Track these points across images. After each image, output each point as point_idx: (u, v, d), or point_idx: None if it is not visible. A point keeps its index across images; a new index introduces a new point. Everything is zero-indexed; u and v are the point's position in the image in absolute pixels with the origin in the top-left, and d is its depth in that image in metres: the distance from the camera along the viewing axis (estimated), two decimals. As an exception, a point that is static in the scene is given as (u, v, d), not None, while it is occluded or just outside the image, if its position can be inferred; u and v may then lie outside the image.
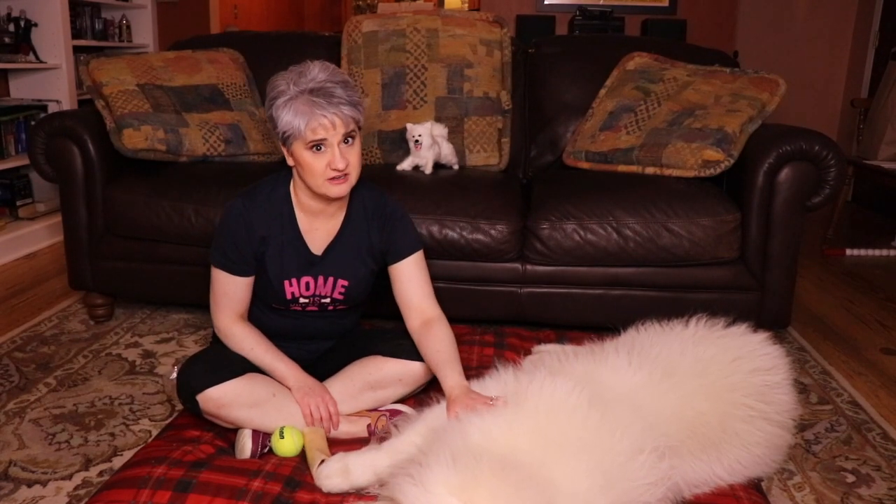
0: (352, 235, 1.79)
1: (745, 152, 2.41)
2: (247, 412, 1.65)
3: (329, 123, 1.58)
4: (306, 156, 1.62)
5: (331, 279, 1.79)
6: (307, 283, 1.78)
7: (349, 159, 1.63)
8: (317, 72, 1.62)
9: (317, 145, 1.60)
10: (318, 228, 1.77)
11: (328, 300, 1.81)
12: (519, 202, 2.47)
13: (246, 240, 1.71)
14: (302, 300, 1.79)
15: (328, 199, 1.71)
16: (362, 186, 1.79)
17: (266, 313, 1.83)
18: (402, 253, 1.80)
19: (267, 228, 1.73)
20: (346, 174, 1.64)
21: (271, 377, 1.73)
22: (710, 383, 1.54)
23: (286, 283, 1.76)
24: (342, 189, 1.65)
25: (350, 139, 1.63)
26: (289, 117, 1.59)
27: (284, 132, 1.62)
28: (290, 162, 1.69)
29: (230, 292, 1.75)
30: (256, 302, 1.82)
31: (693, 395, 1.51)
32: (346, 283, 1.80)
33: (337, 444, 1.69)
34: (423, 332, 1.76)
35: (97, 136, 2.50)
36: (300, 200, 1.75)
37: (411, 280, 1.80)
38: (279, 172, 1.80)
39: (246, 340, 1.74)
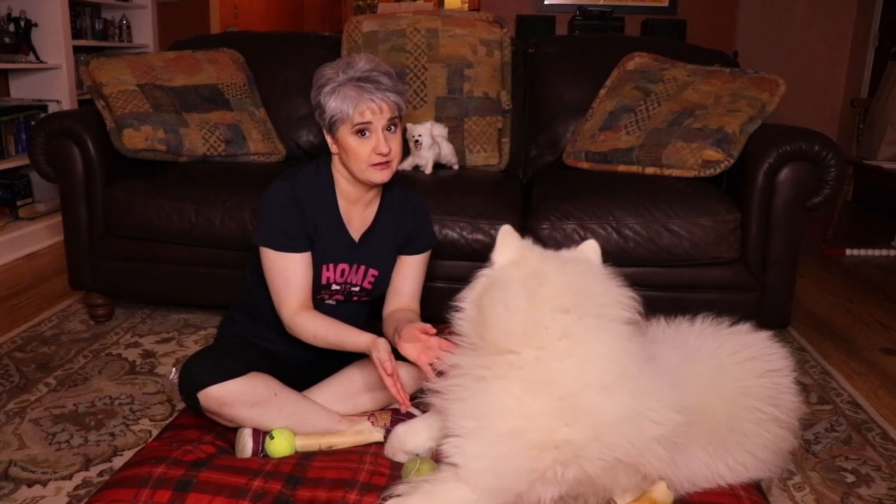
0: (384, 227, 1.83)
1: (745, 152, 2.41)
2: (248, 411, 1.65)
3: (377, 108, 1.63)
4: (351, 141, 1.66)
5: (362, 268, 1.81)
6: (342, 270, 1.79)
7: (392, 146, 1.67)
8: (363, 63, 1.67)
9: (362, 130, 1.65)
10: (355, 217, 1.80)
11: (357, 288, 1.83)
12: (519, 202, 2.47)
13: (300, 216, 1.71)
14: (334, 286, 1.80)
15: (368, 187, 1.75)
16: (393, 183, 1.82)
17: None
18: (417, 248, 1.87)
19: (315, 210, 1.74)
20: (388, 161, 1.68)
21: (349, 350, 1.67)
22: (724, 382, 1.55)
23: (324, 266, 1.77)
24: (385, 175, 1.70)
25: (393, 126, 1.68)
26: (336, 103, 1.64)
27: (332, 117, 1.66)
28: (333, 149, 1.73)
29: (291, 277, 1.69)
30: None
31: (706, 390, 1.52)
32: (376, 272, 1.83)
33: (342, 453, 1.69)
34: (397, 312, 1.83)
35: (97, 136, 2.50)
36: (340, 187, 1.77)
37: (414, 275, 1.87)
38: (318, 159, 1.82)
39: (309, 324, 1.68)
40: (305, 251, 1.72)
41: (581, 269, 1.49)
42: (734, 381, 1.55)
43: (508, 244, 1.51)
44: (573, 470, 1.33)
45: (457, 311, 1.49)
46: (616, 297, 1.45)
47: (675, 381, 1.46)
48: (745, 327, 1.68)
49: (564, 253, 1.57)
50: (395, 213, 1.84)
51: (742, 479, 1.55)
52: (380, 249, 1.82)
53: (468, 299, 1.49)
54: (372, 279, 1.83)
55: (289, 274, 1.70)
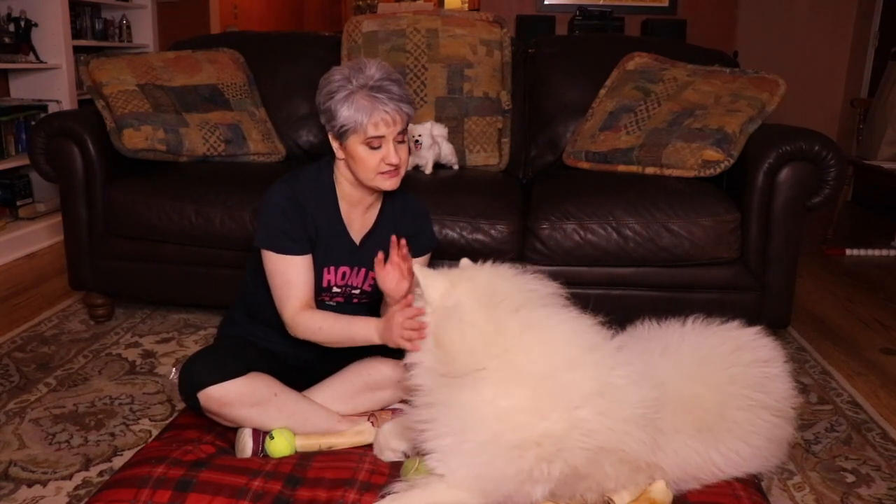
0: (385, 229, 1.82)
1: (745, 152, 2.41)
2: (248, 411, 1.65)
3: (390, 119, 1.63)
4: (361, 150, 1.65)
5: (363, 270, 1.81)
6: (344, 273, 1.80)
7: (401, 155, 1.68)
8: (374, 70, 1.65)
9: (374, 143, 1.64)
10: (356, 220, 1.80)
11: (358, 291, 1.83)
12: (519, 202, 2.47)
13: (301, 218, 1.71)
14: (335, 289, 1.80)
15: (371, 191, 1.76)
16: None
17: None
18: (417, 249, 1.85)
19: (316, 213, 1.74)
20: (397, 169, 1.68)
21: (355, 343, 1.66)
22: (709, 372, 1.56)
23: (325, 270, 1.77)
24: (394, 183, 1.70)
25: (402, 138, 1.68)
26: (350, 112, 1.62)
27: (343, 126, 1.64)
28: (339, 155, 1.72)
29: (292, 279, 1.69)
30: None
31: (691, 378, 1.54)
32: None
33: (341, 453, 1.69)
34: None
35: (97, 136, 2.50)
36: (343, 190, 1.77)
37: None
38: (318, 161, 1.82)
39: (313, 320, 1.67)
40: (307, 253, 1.71)
41: (513, 272, 1.55)
42: (719, 370, 1.57)
43: (431, 279, 1.50)
44: (558, 465, 1.35)
45: (408, 369, 1.51)
46: (551, 289, 1.52)
47: (649, 364, 1.50)
48: (733, 324, 1.70)
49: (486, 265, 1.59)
50: (396, 215, 1.84)
51: (737, 468, 1.56)
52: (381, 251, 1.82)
53: (424, 349, 1.50)
54: (372, 281, 1.83)
55: (290, 276, 1.69)
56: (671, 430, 1.47)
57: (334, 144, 1.71)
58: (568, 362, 1.40)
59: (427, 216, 1.90)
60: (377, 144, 1.64)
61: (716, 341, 1.63)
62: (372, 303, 1.89)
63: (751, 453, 1.55)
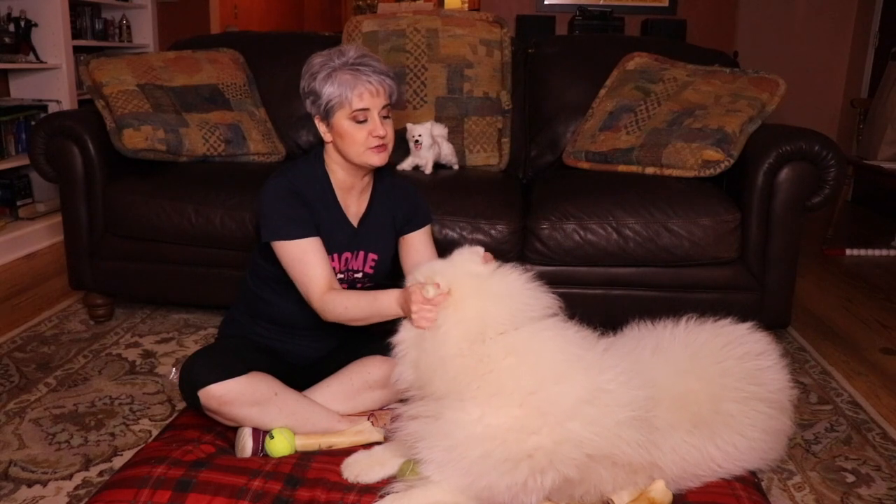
0: (379, 211, 1.85)
1: (745, 152, 2.41)
2: (248, 410, 1.65)
3: (374, 90, 1.66)
4: (347, 125, 1.68)
5: (361, 253, 1.83)
6: (346, 259, 1.81)
7: (387, 130, 1.70)
8: (353, 51, 1.69)
9: (359, 116, 1.66)
10: (351, 205, 1.82)
11: (360, 274, 1.84)
12: (519, 202, 2.47)
13: (304, 206, 1.72)
14: (339, 276, 1.81)
15: (363, 173, 1.78)
16: (383, 168, 1.84)
17: (291, 300, 1.79)
18: (417, 223, 1.89)
19: (315, 202, 1.75)
20: (384, 143, 1.71)
21: (383, 317, 1.63)
22: (702, 366, 1.56)
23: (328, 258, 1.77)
24: (382, 158, 1.72)
25: (387, 113, 1.71)
26: (333, 88, 1.66)
27: (328, 102, 1.67)
28: (327, 138, 1.74)
29: (310, 262, 1.68)
30: (287, 286, 1.77)
31: (683, 374, 1.54)
32: (376, 256, 1.85)
33: (341, 453, 1.69)
34: None
35: (97, 136, 2.50)
36: (336, 177, 1.79)
37: (426, 247, 1.88)
38: (308, 155, 1.84)
39: (338, 301, 1.65)
40: (316, 235, 1.72)
41: (497, 282, 1.49)
42: (711, 364, 1.57)
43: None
44: (550, 475, 1.36)
45: (394, 380, 1.51)
46: (539, 300, 1.50)
47: (638, 363, 1.50)
48: (725, 321, 1.70)
49: (472, 266, 1.53)
50: (389, 196, 1.87)
51: (736, 462, 1.56)
52: (378, 233, 1.84)
53: (401, 359, 1.49)
54: (373, 263, 1.85)
55: (307, 260, 1.69)
56: (667, 427, 1.47)
57: (321, 127, 1.73)
58: (554, 376, 1.40)
59: (418, 193, 1.93)
60: (363, 118, 1.67)
61: (707, 337, 1.63)
62: (375, 285, 1.89)
63: (748, 446, 1.55)
